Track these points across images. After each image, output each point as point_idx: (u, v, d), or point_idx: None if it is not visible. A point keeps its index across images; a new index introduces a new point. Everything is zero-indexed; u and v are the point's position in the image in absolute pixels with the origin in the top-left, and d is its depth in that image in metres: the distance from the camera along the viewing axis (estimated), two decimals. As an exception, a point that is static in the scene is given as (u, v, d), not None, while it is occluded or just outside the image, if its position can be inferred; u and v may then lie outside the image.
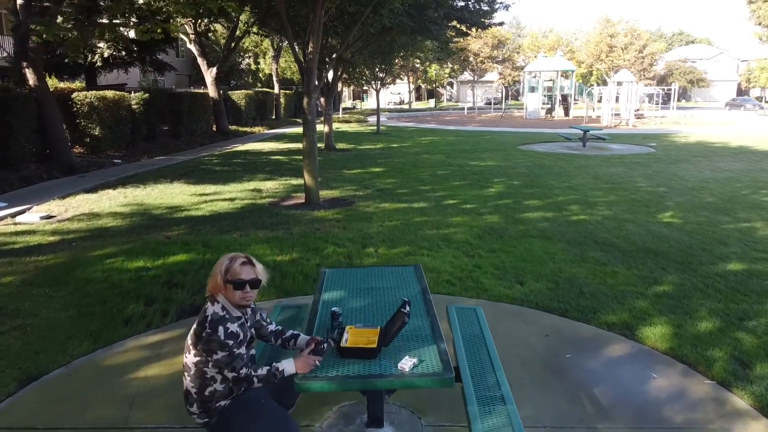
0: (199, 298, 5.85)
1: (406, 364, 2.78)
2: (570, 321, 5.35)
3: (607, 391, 4.13)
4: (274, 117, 36.87)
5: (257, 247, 7.62)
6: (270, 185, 12.86)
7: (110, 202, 10.85)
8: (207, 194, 11.67)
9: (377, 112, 29.68)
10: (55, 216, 9.71)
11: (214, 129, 25.34)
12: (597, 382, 4.26)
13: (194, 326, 2.71)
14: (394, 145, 22.35)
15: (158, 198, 11.29)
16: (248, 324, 2.87)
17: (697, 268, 6.88)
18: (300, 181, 11.54)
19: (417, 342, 3.08)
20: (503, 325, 5.22)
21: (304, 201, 10.77)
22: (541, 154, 19.02)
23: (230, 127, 26.73)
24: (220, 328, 2.63)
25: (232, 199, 11.10)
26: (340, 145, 21.53)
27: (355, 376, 2.71)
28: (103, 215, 9.73)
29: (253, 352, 2.91)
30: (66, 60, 17.28)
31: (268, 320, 3.10)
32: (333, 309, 3.21)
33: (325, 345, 2.89)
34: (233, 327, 2.68)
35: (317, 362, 2.76)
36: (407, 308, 2.88)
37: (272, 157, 18.32)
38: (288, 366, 2.75)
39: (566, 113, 41.66)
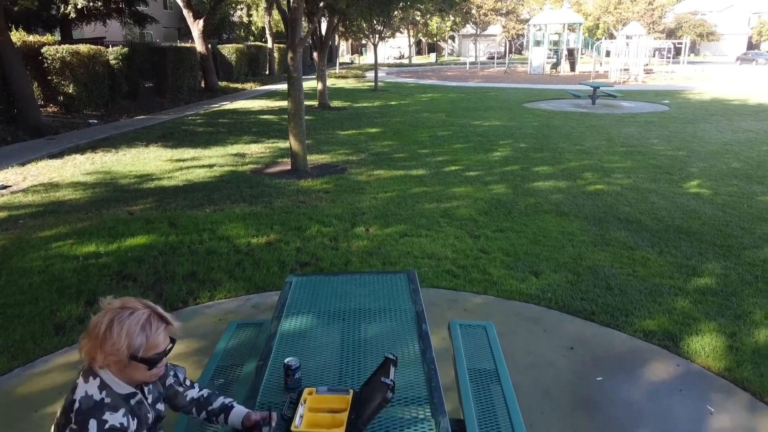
0: (152, 296, 4.89)
1: (389, 463, 1.82)
2: (598, 327, 4.39)
3: (654, 435, 3.20)
4: (267, 72, 35.31)
5: (230, 226, 6.62)
6: (255, 149, 11.77)
7: (74, 170, 9.79)
8: (184, 160, 10.60)
9: (375, 67, 28.20)
10: (9, 186, 8.68)
11: (203, 86, 23.99)
12: (638, 420, 3.33)
13: (58, 414, 1.74)
14: (393, 103, 21.09)
15: (129, 164, 10.23)
16: (150, 399, 1.90)
17: (739, 252, 5.90)
18: (288, 144, 10.46)
19: (406, 414, 2.11)
20: (518, 335, 4.26)
21: (290, 168, 9.72)
22: (548, 113, 17.81)
23: (220, 83, 25.36)
24: (92, 423, 1.66)
25: (210, 166, 10.04)
26: (334, 103, 20.29)
27: (309, 488, 1.75)
28: (63, 186, 8.69)
29: (160, 437, 1.96)
30: (37, 11, 15.91)
31: (188, 382, 2.13)
32: (287, 361, 2.23)
33: (268, 430, 1.92)
34: (115, 418, 1.71)
35: (252, 463, 1.81)
36: (391, 376, 1.90)
37: (261, 117, 17.13)
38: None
39: (572, 68, 40.01)
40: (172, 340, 1.87)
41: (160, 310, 1.86)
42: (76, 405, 1.68)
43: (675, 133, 13.88)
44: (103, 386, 1.75)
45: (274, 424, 1.94)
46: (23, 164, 10.11)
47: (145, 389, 1.89)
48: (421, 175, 9.37)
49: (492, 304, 4.74)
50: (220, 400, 2.10)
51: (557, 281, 5.16)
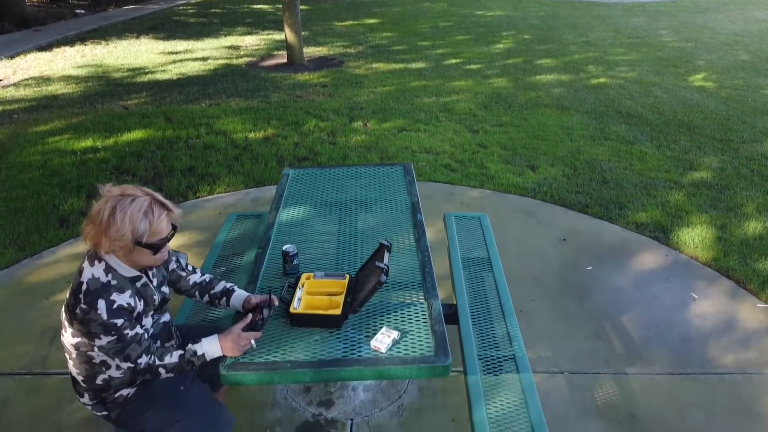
0: (153, 189, 4.93)
1: (383, 341, 1.93)
2: (591, 219, 4.48)
3: (637, 319, 3.36)
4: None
5: (227, 121, 6.55)
6: (249, 41, 11.38)
7: (65, 63, 9.53)
8: (177, 53, 10.29)
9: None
10: (0, 80, 8.49)
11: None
12: (625, 306, 3.48)
13: (67, 295, 1.82)
14: (392, -8, 20.10)
15: (120, 57, 9.94)
16: (155, 282, 1.98)
17: (738, 146, 5.89)
18: (284, 36, 10.11)
19: (400, 298, 2.21)
20: (512, 226, 4.35)
21: (286, 61, 9.46)
22: (554, 2, 17.05)
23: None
24: (101, 303, 1.74)
25: (204, 59, 9.77)
26: (331, -8, 19.34)
27: (307, 363, 1.87)
28: (55, 79, 8.50)
29: (165, 318, 2.06)
30: None
31: (190, 267, 2.20)
32: (285, 248, 2.30)
33: (268, 312, 2.02)
34: (123, 298, 1.79)
35: (253, 343, 1.91)
36: (385, 260, 1.97)
37: (255, 6, 16.41)
38: (210, 347, 1.90)
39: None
40: (174, 227, 1.91)
41: (159, 197, 1.89)
42: (84, 286, 1.76)
43: (685, 23, 13.37)
44: (109, 269, 1.81)
45: (274, 306, 2.03)
46: (12, 57, 9.83)
47: (150, 273, 1.96)
48: (421, 68, 9.14)
49: (488, 198, 4.80)
50: (222, 284, 2.19)
51: (554, 175, 5.19)
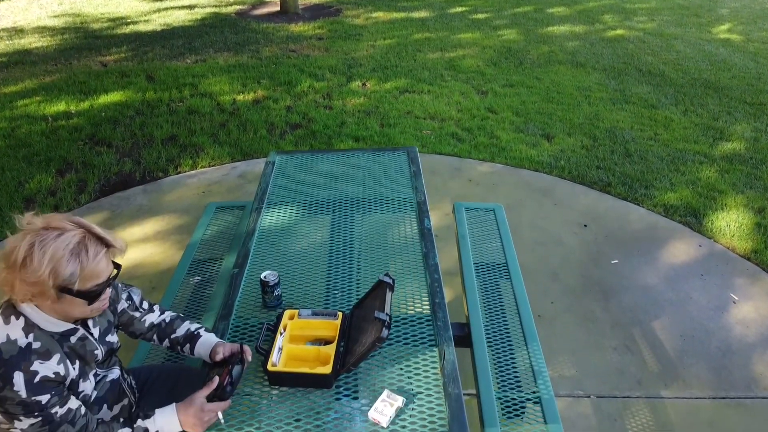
0: (130, 163, 4.48)
1: (384, 411, 1.53)
2: (615, 200, 4.04)
3: (670, 326, 2.98)
4: None
5: (214, 81, 6.01)
6: (240, -14, 10.61)
7: (40, 12, 8.84)
8: (161, 0, 9.57)
9: None
10: (-30, 32, 7.86)
11: None
12: (656, 308, 3.09)
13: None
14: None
15: (101, 5, 9.24)
16: (97, 333, 1.56)
17: (772, 112, 5.39)
18: (274, -17, 9.39)
19: (404, 342, 1.80)
20: (526, 208, 3.92)
21: (279, 9, 8.78)
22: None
23: None
24: (18, 377, 1.34)
25: (191, 7, 9.07)
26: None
27: (290, 442, 1.48)
28: (29, 31, 7.86)
29: (114, 374, 1.65)
30: None
31: (145, 305, 1.78)
32: (264, 276, 1.87)
33: (239, 371, 1.61)
34: (48, 367, 1.38)
35: (220, 416, 1.52)
36: (386, 308, 1.55)
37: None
38: (166, 423, 1.50)
39: None
40: (117, 266, 1.49)
41: (97, 229, 1.45)
42: (-5, 356, 1.35)
43: (706, -34, 12.51)
44: (30, 327, 1.40)
45: (247, 361, 1.63)
46: (-16, 5, 9.14)
47: (89, 321, 1.55)
48: (424, 18, 8.48)
49: (499, 174, 4.34)
50: (185, 326, 1.78)
51: (571, 146, 4.72)
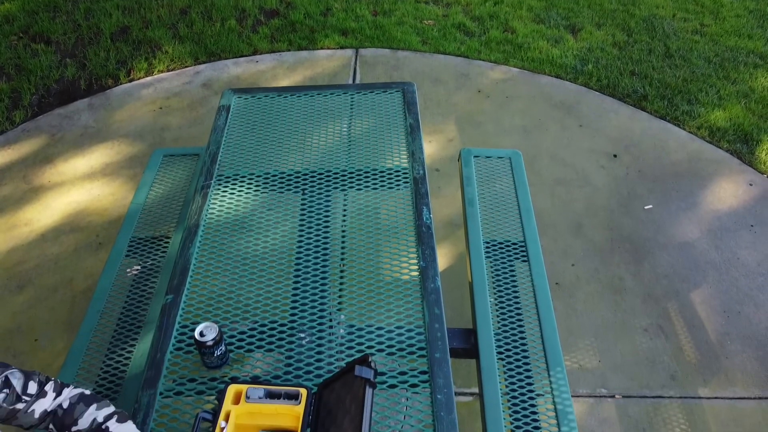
0: (74, 66, 3.75)
1: None
2: (651, 120, 3.39)
3: (711, 297, 2.51)
4: None
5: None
6: None
7: None
8: None
9: None
10: None
11: None
12: (696, 274, 2.60)
13: None
14: None
15: None
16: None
17: (841, -7, 4.50)
18: None
19: (394, 407, 1.33)
20: (547, 132, 3.28)
21: None
22: None
23: None
24: None
25: None
26: None
27: None
28: None
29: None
30: None
31: (32, 388, 1.27)
32: (199, 332, 1.35)
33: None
34: None
35: None
36: (364, 428, 1.06)
37: None
38: None
39: None
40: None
41: None
42: None
43: None
44: None
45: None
46: None
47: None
48: None
49: (514, 81, 3.63)
50: (90, 414, 1.29)
51: (601, 43, 3.94)
